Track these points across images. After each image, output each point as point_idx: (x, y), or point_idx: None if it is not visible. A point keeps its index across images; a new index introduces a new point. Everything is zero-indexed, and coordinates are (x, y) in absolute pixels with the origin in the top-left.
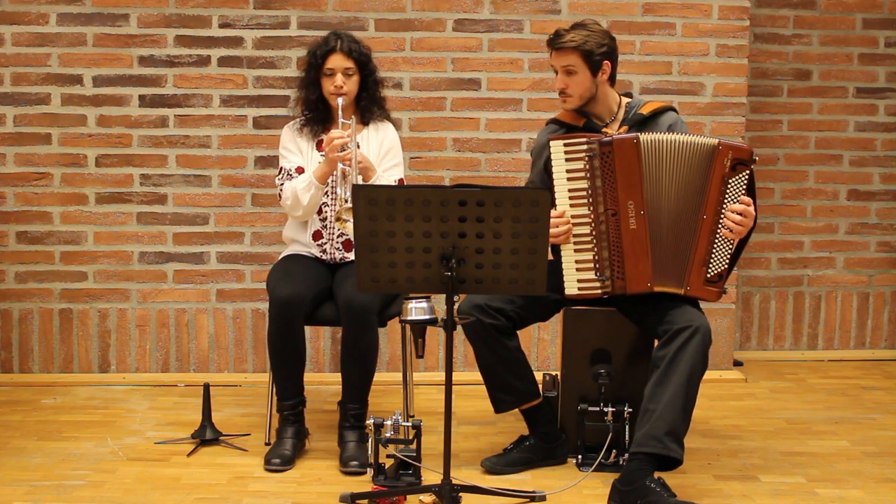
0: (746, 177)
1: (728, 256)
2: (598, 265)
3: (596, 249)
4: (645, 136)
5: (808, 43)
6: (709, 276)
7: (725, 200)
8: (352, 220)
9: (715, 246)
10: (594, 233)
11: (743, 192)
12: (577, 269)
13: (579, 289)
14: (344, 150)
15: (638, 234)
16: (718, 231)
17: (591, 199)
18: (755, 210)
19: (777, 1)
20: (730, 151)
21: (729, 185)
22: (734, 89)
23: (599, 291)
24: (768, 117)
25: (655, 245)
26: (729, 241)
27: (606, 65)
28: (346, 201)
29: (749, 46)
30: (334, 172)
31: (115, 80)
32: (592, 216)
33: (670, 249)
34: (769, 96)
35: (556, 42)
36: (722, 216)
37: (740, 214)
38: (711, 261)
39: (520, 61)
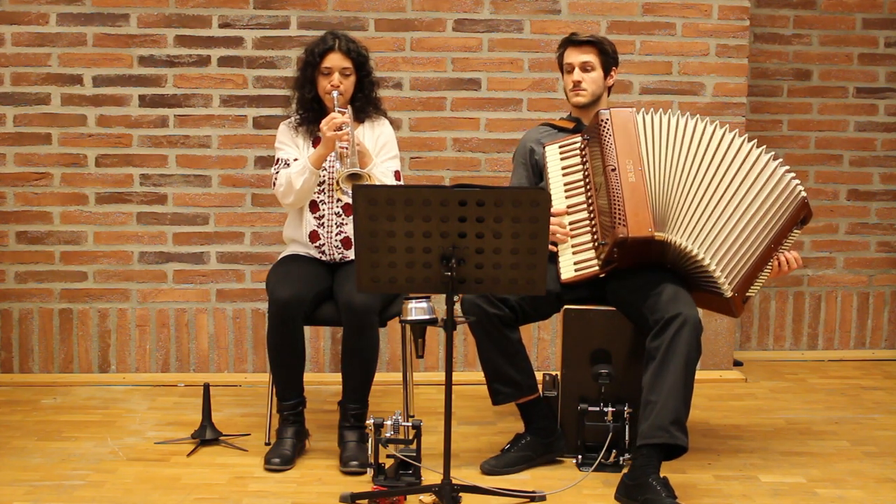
0: (798, 234)
1: (761, 285)
2: (595, 244)
3: (592, 230)
4: (648, 114)
5: (808, 43)
6: (748, 293)
7: (784, 244)
8: (350, 193)
9: (763, 272)
10: (590, 215)
11: (790, 245)
12: (574, 252)
13: (576, 270)
14: (341, 129)
15: (637, 187)
16: (771, 262)
17: (586, 186)
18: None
19: (777, 1)
20: (806, 207)
21: (791, 234)
22: (734, 89)
23: (597, 268)
24: (768, 117)
25: (656, 200)
26: (770, 272)
27: (614, 71)
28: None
29: (749, 46)
30: (329, 157)
31: (115, 80)
32: (588, 201)
33: (670, 208)
34: (769, 96)
35: (575, 38)
36: (782, 250)
37: (794, 260)
38: (755, 283)
39: (520, 61)
